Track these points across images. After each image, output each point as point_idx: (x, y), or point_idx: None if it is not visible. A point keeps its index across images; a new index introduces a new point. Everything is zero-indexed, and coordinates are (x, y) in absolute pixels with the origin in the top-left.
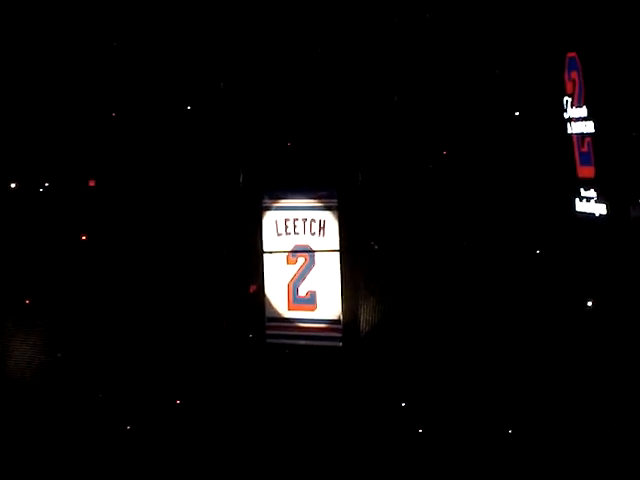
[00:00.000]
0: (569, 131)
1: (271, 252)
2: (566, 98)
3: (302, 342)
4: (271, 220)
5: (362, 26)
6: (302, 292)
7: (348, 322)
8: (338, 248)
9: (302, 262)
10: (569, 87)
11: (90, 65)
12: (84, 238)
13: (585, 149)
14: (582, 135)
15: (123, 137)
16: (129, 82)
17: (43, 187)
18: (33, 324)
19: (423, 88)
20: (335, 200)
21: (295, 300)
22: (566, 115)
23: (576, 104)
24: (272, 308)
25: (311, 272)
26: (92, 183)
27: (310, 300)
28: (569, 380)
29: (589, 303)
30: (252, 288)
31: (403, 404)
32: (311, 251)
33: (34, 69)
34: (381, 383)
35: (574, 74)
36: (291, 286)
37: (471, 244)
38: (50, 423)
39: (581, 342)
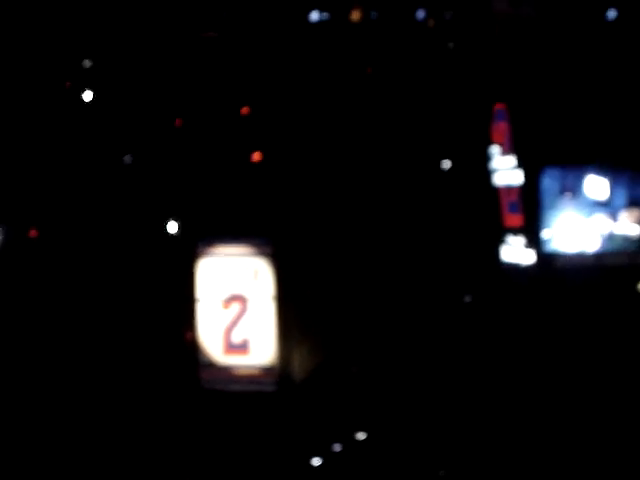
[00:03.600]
0: (497, 180)
1: (206, 299)
2: (494, 148)
3: (237, 387)
4: (206, 267)
5: (288, 81)
6: (236, 338)
7: (282, 368)
8: (272, 295)
9: (236, 309)
10: (497, 137)
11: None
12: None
13: (512, 198)
14: (509, 185)
15: (63, 189)
16: (72, 132)
17: None
18: None
19: (355, 140)
20: (269, 247)
21: (229, 346)
22: (494, 165)
23: (504, 154)
24: (206, 354)
25: (245, 318)
26: (34, 234)
27: (244, 346)
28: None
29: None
30: (188, 335)
31: (338, 449)
32: (245, 298)
33: None
34: (315, 427)
35: (502, 125)
36: (225, 332)
37: (402, 293)
38: None
39: (512, 385)
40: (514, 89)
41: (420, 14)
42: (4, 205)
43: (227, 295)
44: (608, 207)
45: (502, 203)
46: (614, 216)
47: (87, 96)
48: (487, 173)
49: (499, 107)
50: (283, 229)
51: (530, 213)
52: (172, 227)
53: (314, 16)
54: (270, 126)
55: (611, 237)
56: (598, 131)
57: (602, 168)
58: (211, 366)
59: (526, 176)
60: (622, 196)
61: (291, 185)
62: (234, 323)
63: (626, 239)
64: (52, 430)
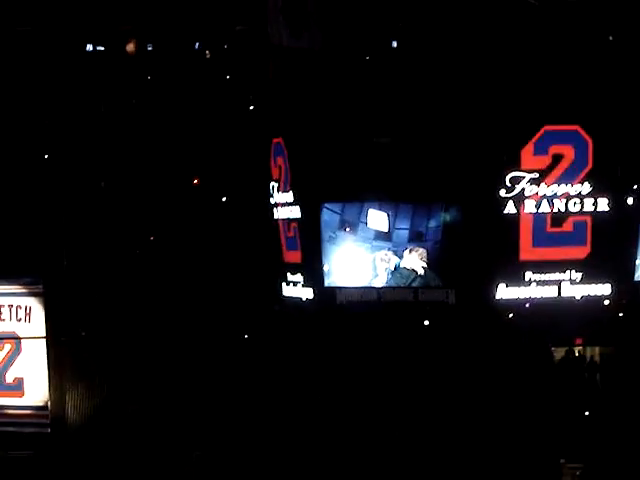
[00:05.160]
0: (276, 216)
1: None
2: (272, 183)
3: (10, 429)
4: None
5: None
6: (9, 379)
7: (56, 408)
8: (45, 335)
9: (9, 349)
10: (275, 173)
11: None
12: None
13: (291, 234)
14: (288, 220)
15: None
16: None
17: None
18: None
19: (133, 174)
20: (40, 286)
21: (2, 387)
22: (272, 200)
23: (282, 189)
24: None
25: (18, 359)
26: None
27: (17, 387)
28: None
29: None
30: None
31: None
32: (17, 338)
33: None
34: (90, 468)
35: (280, 160)
36: None
37: (182, 328)
38: None
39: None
40: (292, 123)
41: (197, 45)
42: None
43: None
44: (390, 241)
45: (281, 239)
46: (397, 251)
47: None
48: (266, 209)
49: (276, 141)
50: (55, 267)
51: (309, 248)
52: None
53: (89, 47)
54: (45, 160)
55: (395, 272)
56: (378, 166)
57: (382, 202)
58: None
59: (304, 211)
60: (405, 230)
61: (63, 223)
62: (7, 364)
63: (410, 274)
64: None
